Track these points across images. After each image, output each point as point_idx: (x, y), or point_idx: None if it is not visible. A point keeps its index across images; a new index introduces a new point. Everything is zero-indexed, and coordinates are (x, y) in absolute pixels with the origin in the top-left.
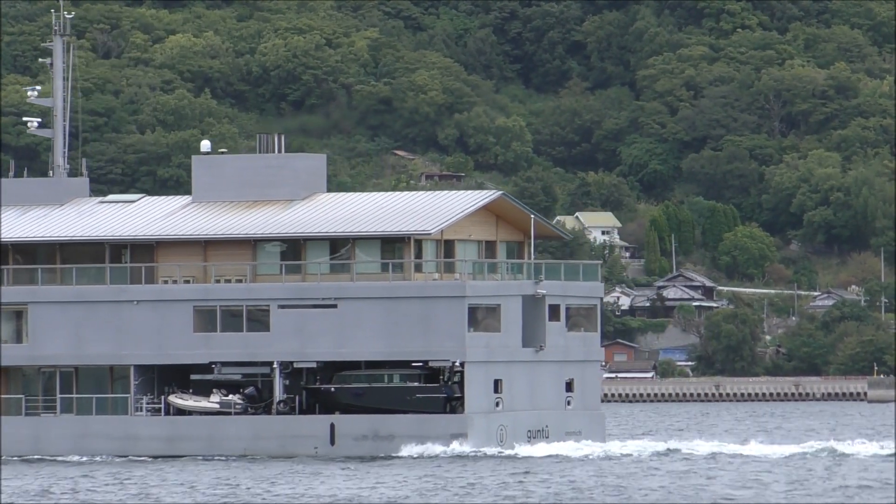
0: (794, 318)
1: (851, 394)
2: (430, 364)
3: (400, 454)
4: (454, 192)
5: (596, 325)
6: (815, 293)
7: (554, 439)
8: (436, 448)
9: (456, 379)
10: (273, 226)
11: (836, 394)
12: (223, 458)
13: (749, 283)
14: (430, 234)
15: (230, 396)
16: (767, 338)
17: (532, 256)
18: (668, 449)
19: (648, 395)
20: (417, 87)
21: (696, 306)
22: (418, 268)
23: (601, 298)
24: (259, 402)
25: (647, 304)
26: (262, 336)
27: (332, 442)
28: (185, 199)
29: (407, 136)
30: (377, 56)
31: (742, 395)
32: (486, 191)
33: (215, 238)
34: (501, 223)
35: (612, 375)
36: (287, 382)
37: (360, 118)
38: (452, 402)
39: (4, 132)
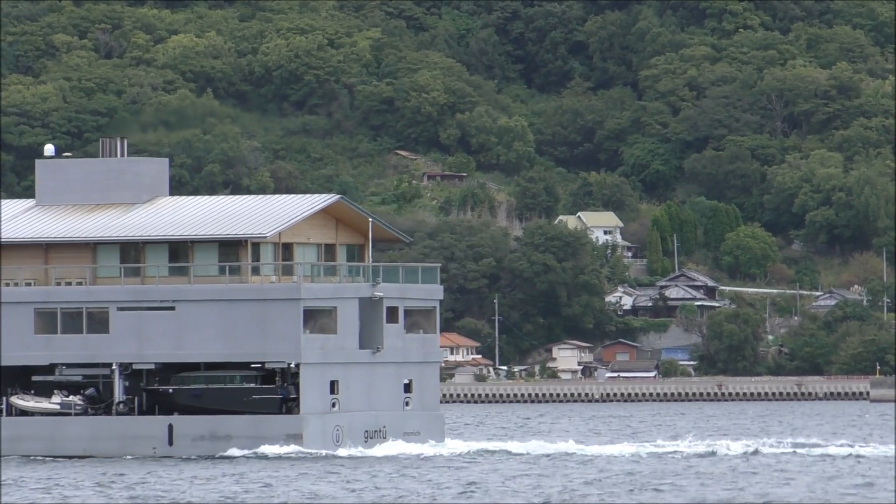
0: (796, 318)
1: (854, 393)
2: (267, 365)
3: (235, 454)
4: (293, 195)
5: (435, 326)
6: (818, 293)
7: (392, 440)
8: (271, 448)
9: (295, 380)
10: (113, 229)
11: (839, 393)
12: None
13: (751, 283)
14: (266, 237)
15: (71, 397)
16: (770, 337)
17: (370, 259)
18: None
19: (651, 394)
20: (419, 88)
21: (698, 306)
22: (255, 270)
23: (440, 300)
24: (99, 403)
25: (650, 304)
26: (102, 338)
27: (171, 442)
28: (29, 202)
29: (409, 136)
30: (379, 56)
31: (744, 394)
32: (324, 195)
33: (56, 241)
34: (341, 226)
35: (615, 375)
36: (127, 384)
37: (362, 118)
38: (288, 403)
39: (5, 132)
